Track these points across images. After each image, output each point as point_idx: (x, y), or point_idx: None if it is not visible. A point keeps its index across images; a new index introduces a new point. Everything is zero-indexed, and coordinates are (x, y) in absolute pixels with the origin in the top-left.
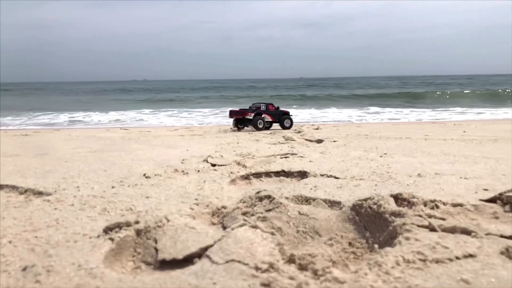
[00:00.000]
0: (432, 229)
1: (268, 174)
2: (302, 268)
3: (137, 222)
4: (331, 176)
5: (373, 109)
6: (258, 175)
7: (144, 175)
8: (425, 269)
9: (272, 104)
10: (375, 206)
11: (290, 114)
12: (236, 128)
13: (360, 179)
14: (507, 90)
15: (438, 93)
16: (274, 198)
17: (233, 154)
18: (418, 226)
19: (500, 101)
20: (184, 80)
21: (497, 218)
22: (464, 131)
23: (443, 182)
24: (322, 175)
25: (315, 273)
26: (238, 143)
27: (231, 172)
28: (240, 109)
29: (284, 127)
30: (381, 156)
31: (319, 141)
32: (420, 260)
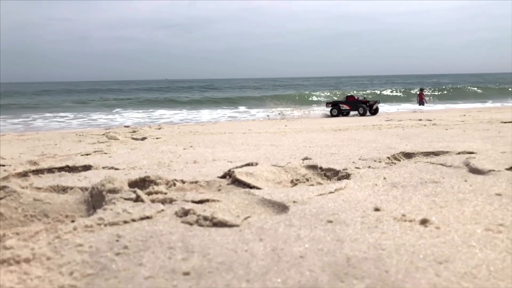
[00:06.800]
0: (138, 201)
1: (51, 170)
2: None
3: None
4: (112, 168)
5: (243, 108)
6: (39, 171)
7: None
8: (97, 231)
9: (352, 96)
10: (100, 187)
11: (373, 103)
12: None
13: (138, 169)
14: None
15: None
16: (8, 187)
17: (36, 155)
18: (125, 199)
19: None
20: (34, 83)
21: (219, 190)
22: (286, 125)
23: (209, 166)
24: (104, 168)
25: None
26: (56, 144)
27: (5, 170)
28: (327, 102)
29: (359, 114)
30: (184, 149)
31: (143, 138)
32: (98, 224)
